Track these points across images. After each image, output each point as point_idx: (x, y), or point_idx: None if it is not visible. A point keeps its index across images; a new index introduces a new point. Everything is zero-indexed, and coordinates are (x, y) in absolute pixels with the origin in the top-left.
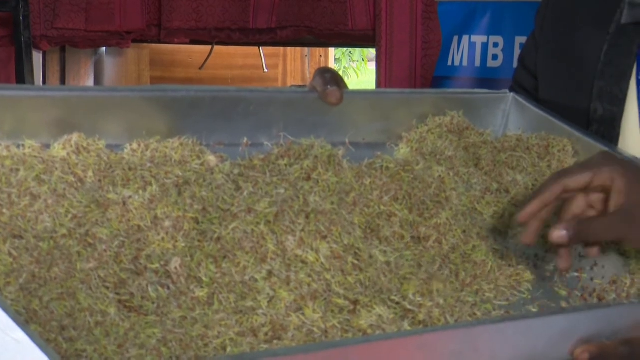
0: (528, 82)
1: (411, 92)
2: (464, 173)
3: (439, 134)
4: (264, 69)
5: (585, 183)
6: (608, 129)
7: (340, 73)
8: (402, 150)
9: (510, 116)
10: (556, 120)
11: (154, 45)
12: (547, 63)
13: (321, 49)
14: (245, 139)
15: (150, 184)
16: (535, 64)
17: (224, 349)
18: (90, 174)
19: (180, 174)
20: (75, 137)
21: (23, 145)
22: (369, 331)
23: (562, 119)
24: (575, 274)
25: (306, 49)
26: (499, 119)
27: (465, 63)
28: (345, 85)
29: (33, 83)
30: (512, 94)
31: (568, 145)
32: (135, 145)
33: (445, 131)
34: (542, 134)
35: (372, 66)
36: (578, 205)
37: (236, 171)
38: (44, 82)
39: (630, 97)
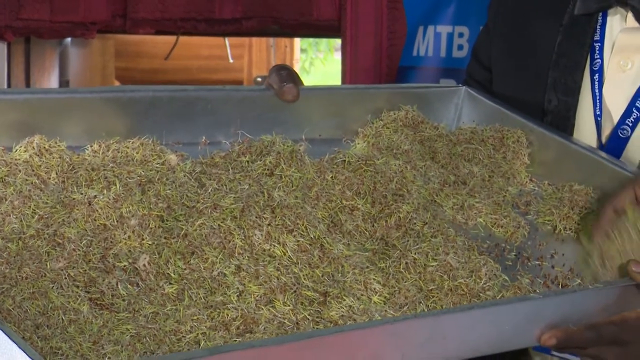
0: (481, 75)
1: (365, 88)
2: (421, 166)
3: (394, 128)
4: (229, 59)
5: (629, 199)
6: (562, 119)
7: (307, 64)
8: (359, 146)
9: (463, 109)
10: (509, 112)
11: (119, 36)
12: (501, 56)
13: (287, 39)
14: (204, 138)
15: (114, 184)
16: (488, 57)
17: (197, 343)
18: (53, 175)
19: (143, 173)
20: (36, 139)
21: None
22: (340, 322)
23: (515, 110)
24: (537, 262)
25: (271, 39)
26: (452, 112)
27: (430, 53)
28: (301, 82)
29: None
30: (464, 88)
31: (522, 136)
32: (96, 146)
33: (401, 125)
34: (496, 126)
35: (338, 56)
36: None
37: (198, 169)
38: (9, 73)
39: (584, 88)
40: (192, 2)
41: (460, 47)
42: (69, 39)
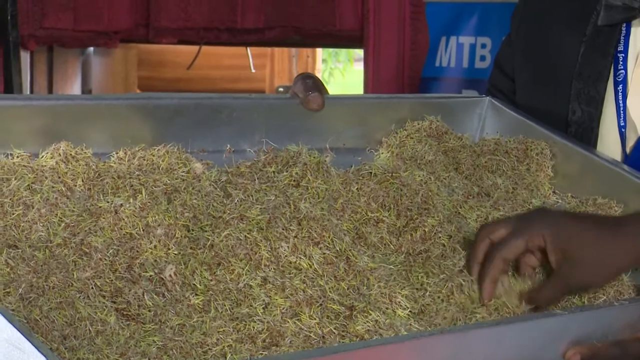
0: (505, 85)
1: (389, 97)
2: (445, 177)
3: (418, 138)
4: (251, 69)
5: (521, 251)
6: (586, 130)
7: (327, 74)
8: (382, 155)
9: (487, 120)
10: (532, 123)
11: (141, 45)
12: (524, 66)
13: (309, 49)
14: (228, 146)
15: (140, 192)
16: (512, 67)
17: (224, 355)
18: (79, 182)
19: (169, 181)
20: (63, 145)
21: (11, 155)
22: (366, 336)
23: (539, 121)
24: None
25: (293, 49)
26: (476, 123)
27: (453, 64)
28: (326, 91)
29: (21, 83)
30: (488, 98)
31: (546, 148)
32: (121, 154)
33: (425, 136)
34: (519, 137)
35: (357, 67)
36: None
37: (224, 178)
38: (32, 82)
39: (607, 98)
40: (214, 12)
41: (482, 58)
42: (91, 48)
